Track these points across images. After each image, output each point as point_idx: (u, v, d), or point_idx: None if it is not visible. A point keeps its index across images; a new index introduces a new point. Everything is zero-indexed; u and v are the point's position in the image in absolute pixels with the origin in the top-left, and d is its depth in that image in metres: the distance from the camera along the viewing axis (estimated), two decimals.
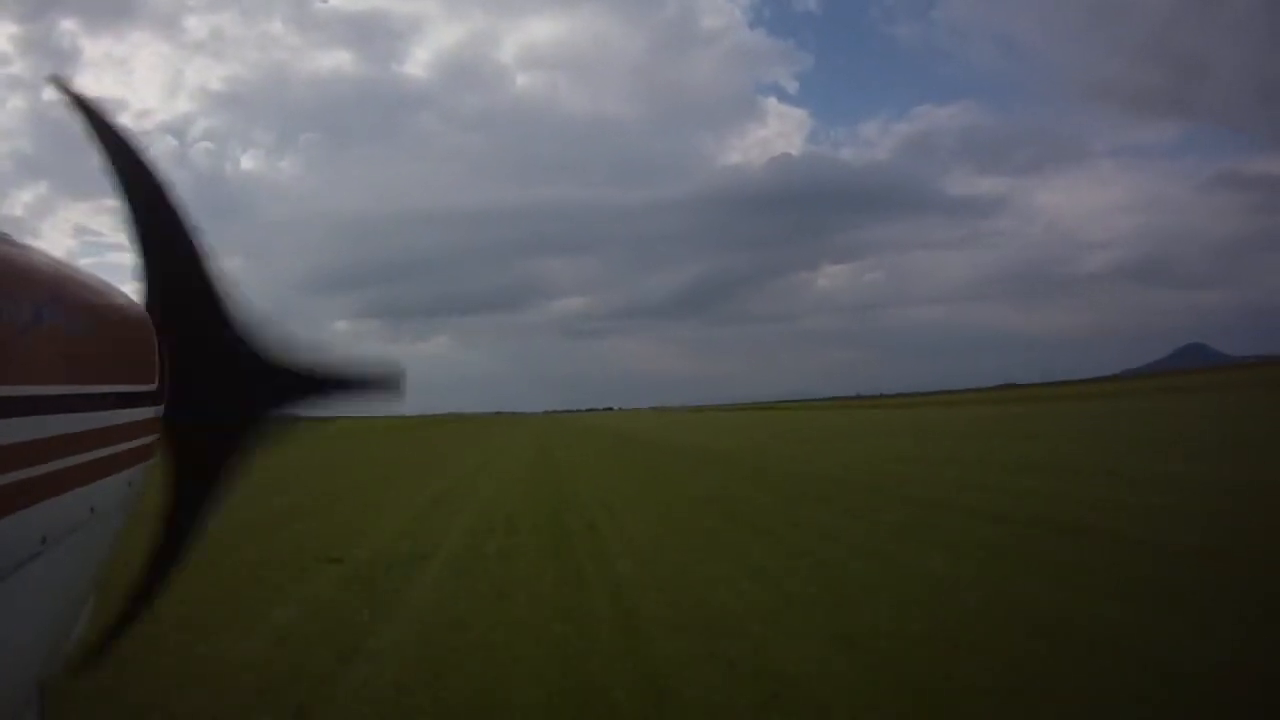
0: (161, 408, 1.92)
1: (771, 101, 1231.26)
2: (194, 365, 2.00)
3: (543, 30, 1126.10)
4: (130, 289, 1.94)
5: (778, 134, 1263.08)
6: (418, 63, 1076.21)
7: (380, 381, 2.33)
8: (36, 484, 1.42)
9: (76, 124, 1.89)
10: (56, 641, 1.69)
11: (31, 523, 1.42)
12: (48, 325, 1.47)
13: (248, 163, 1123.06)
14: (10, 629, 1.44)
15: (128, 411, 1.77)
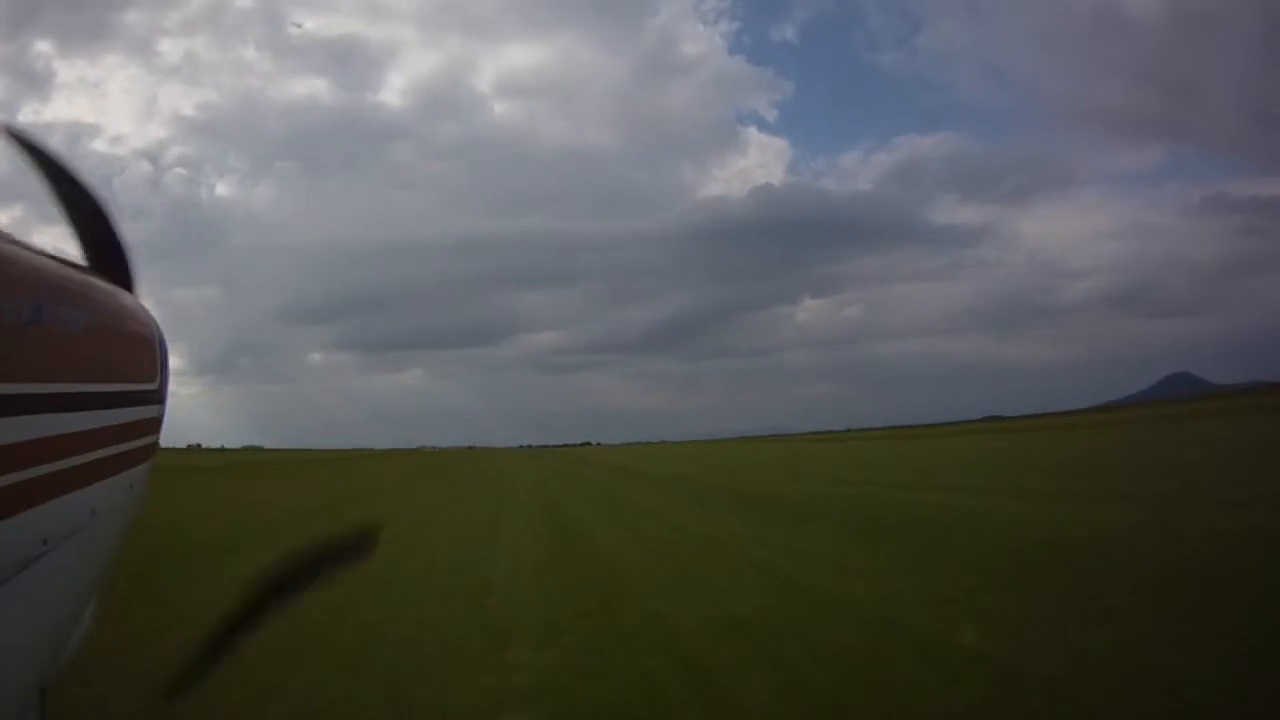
0: (163, 406, 1.92)
1: (752, 131, 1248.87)
2: None
3: (520, 57, 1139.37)
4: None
5: (758, 164, 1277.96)
6: (393, 89, 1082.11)
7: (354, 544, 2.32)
8: (38, 485, 1.41)
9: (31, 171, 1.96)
10: (58, 645, 1.66)
11: (33, 525, 1.41)
12: (49, 322, 1.46)
13: (223, 189, 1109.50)
14: (11, 632, 1.41)
15: (130, 410, 1.75)
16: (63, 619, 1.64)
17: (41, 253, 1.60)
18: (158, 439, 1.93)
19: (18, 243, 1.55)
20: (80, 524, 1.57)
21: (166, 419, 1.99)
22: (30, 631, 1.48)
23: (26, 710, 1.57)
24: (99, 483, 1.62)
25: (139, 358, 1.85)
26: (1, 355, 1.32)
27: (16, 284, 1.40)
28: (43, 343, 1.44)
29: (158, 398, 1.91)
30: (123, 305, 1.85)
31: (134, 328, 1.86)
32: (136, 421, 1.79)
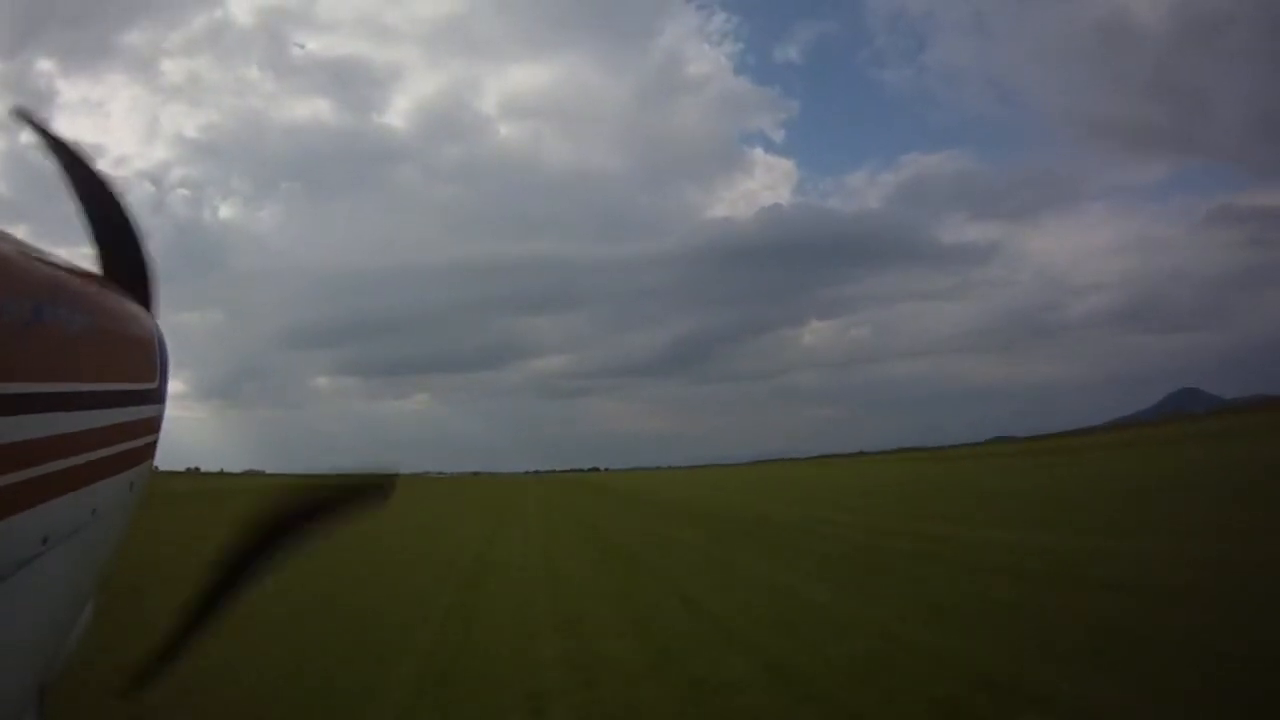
0: (162, 406, 1.93)
1: (758, 151, 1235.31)
2: None
3: (525, 79, 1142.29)
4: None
5: (765, 185, 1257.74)
6: (398, 112, 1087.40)
7: (372, 487, 2.14)
8: (39, 484, 1.42)
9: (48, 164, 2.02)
10: (57, 643, 1.65)
11: (33, 524, 1.41)
12: (48, 322, 1.48)
13: (226, 211, 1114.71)
14: (11, 630, 1.41)
15: (130, 410, 1.77)
16: (62, 618, 1.64)
17: (43, 252, 1.63)
18: (158, 438, 1.94)
19: (18, 244, 1.58)
20: (80, 523, 1.58)
21: (171, 439, 2.00)
22: (30, 631, 1.48)
23: (26, 710, 1.56)
24: (99, 482, 1.63)
25: (138, 357, 1.87)
26: (2, 355, 1.34)
27: (16, 284, 1.43)
28: (43, 342, 1.46)
29: (157, 397, 1.92)
30: (122, 305, 1.87)
31: (133, 327, 1.88)
32: (136, 421, 1.80)
